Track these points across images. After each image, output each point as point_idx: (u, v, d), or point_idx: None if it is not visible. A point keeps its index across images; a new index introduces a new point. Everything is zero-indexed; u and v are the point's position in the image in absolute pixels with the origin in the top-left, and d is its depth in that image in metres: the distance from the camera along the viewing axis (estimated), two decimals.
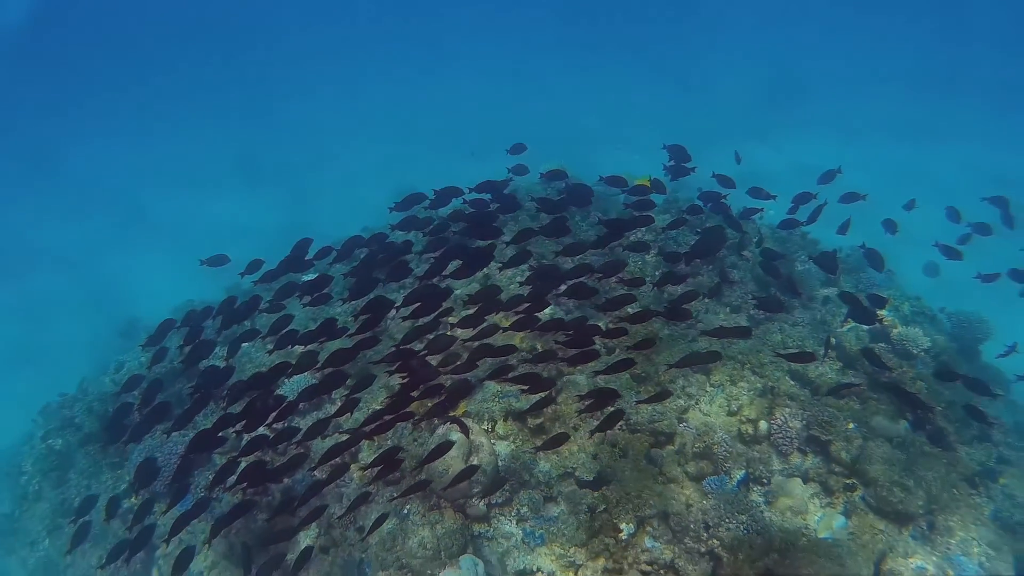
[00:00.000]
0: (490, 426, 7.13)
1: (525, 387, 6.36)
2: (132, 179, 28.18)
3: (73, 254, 23.26)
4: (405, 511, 6.75)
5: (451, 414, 7.07)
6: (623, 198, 9.77)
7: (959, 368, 8.19)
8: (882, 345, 8.41)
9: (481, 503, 6.61)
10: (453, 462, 6.44)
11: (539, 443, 6.89)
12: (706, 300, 8.78)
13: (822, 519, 6.67)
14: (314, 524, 7.06)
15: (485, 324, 6.34)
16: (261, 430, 5.94)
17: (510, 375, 6.15)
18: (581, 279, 6.62)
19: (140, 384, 7.52)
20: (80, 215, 25.99)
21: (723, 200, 8.37)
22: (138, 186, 27.35)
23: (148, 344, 7.89)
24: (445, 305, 6.43)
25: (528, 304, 6.25)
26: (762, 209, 9.12)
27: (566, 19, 40.42)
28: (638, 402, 7.16)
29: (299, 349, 6.90)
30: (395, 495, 6.78)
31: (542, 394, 6.61)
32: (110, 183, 28.34)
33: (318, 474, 7.29)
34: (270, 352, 8.46)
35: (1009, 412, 8.42)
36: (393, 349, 6.06)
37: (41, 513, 9.67)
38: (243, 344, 8.65)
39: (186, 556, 5.88)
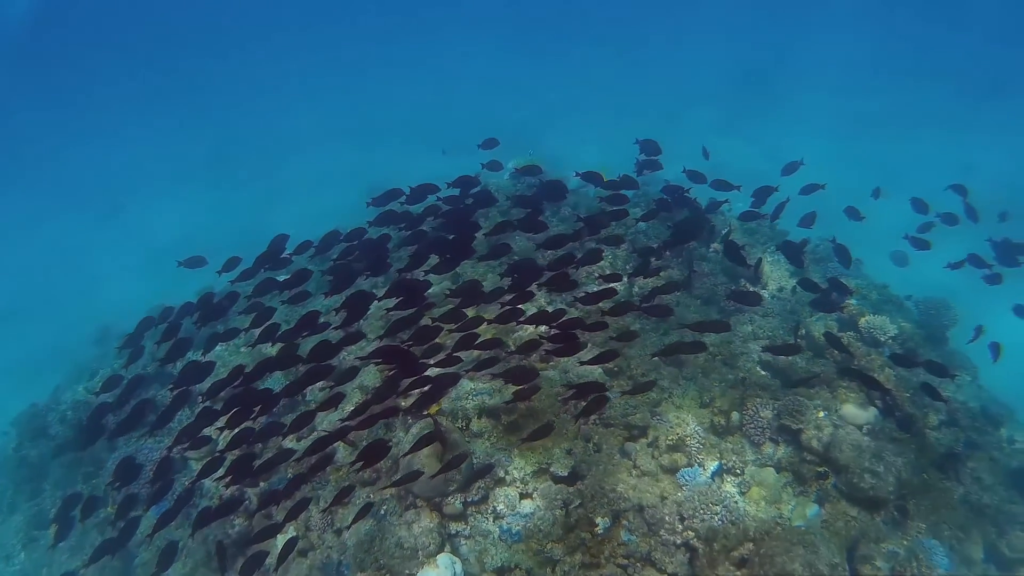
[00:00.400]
0: (464, 424, 7.13)
1: (507, 378, 6.37)
2: (112, 180, 27.94)
3: (46, 257, 22.97)
4: (382, 511, 6.75)
5: (425, 412, 7.07)
6: (593, 192, 9.80)
7: (925, 354, 8.35)
8: (851, 333, 8.52)
9: (457, 501, 6.62)
10: (428, 461, 6.44)
11: (514, 440, 6.92)
12: (677, 293, 8.84)
13: (796, 507, 6.74)
14: (291, 527, 7.03)
15: (466, 318, 6.34)
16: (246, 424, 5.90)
17: (494, 368, 6.13)
18: (560, 271, 6.60)
19: (118, 385, 7.43)
20: (55, 216, 25.71)
21: (686, 193, 8.45)
22: (117, 188, 27.11)
23: (125, 345, 7.79)
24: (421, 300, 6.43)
25: (512, 297, 6.27)
26: (727, 200, 9.20)
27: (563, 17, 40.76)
28: (623, 393, 7.20)
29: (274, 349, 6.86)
30: (384, 485, 6.78)
31: (527, 385, 6.56)
32: (91, 184, 28.10)
33: (291, 472, 7.27)
34: (252, 346, 8.40)
35: (977, 397, 8.56)
36: (378, 341, 6.02)
37: (16, 526, 9.52)
38: (218, 345, 8.57)
39: (169, 552, 5.85)
